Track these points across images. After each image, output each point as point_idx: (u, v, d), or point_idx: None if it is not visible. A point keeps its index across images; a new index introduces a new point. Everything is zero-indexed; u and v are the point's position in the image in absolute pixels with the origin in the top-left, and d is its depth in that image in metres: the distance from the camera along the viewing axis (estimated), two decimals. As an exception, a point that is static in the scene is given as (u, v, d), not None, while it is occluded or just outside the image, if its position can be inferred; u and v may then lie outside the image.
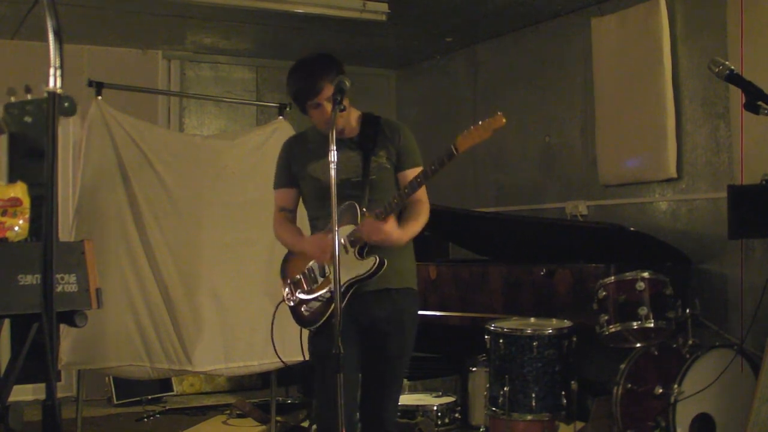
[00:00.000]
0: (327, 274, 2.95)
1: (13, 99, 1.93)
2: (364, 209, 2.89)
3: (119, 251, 4.50)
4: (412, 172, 3.00)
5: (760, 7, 4.35)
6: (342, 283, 2.83)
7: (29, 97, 1.91)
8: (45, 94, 1.83)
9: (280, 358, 3.30)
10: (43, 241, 1.62)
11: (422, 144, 3.17)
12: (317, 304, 2.97)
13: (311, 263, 3.01)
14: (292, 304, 3.06)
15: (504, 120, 2.70)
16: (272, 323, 3.19)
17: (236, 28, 5.98)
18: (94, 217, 4.47)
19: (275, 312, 3.16)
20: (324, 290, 2.95)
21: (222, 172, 4.79)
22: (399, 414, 4.61)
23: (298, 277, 3.04)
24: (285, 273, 3.12)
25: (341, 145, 2.94)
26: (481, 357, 4.84)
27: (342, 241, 2.86)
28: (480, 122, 2.71)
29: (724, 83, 3.01)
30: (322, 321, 2.95)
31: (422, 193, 2.98)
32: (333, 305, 2.86)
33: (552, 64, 5.86)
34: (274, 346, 3.25)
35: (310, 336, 3.04)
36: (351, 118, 3.02)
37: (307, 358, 3.06)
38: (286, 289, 3.08)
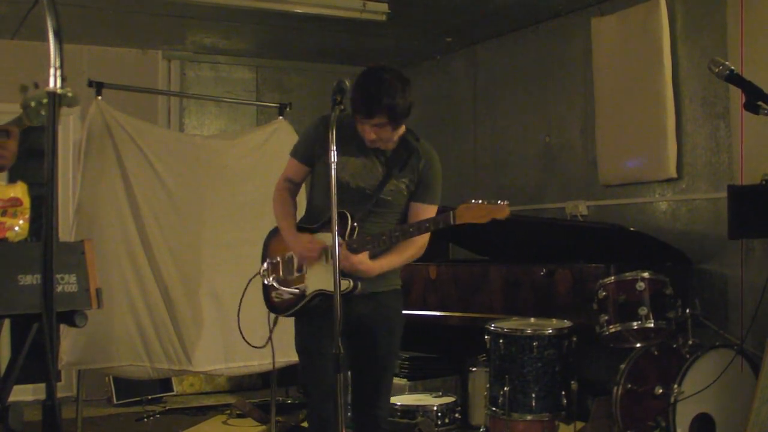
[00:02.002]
0: (303, 272, 2.98)
1: (28, 95, 1.94)
2: (356, 224, 2.89)
3: (119, 251, 4.50)
4: (423, 208, 3.00)
5: (760, 7, 4.35)
6: (313, 290, 2.91)
7: (38, 92, 1.93)
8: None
9: (249, 343, 3.34)
10: (43, 241, 1.62)
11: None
12: (288, 296, 3.00)
13: (291, 253, 3.03)
14: (265, 282, 3.09)
15: (507, 212, 2.72)
16: (240, 302, 3.26)
17: (236, 28, 5.98)
18: (94, 217, 4.47)
19: (247, 286, 3.21)
20: (297, 287, 2.98)
21: (222, 172, 4.79)
22: (399, 414, 4.62)
23: (277, 260, 3.06)
24: (267, 248, 3.14)
25: (372, 153, 2.97)
26: (481, 357, 4.84)
27: (325, 247, 2.89)
28: (485, 203, 2.72)
29: (724, 83, 3.01)
30: (287, 313, 3.01)
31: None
32: (301, 302, 2.95)
33: (552, 64, 5.86)
34: (240, 332, 3.30)
35: (297, 329, 3.06)
36: (397, 132, 2.95)
37: (278, 359, 3.13)
38: (264, 265, 3.11)
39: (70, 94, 1.70)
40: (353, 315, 2.94)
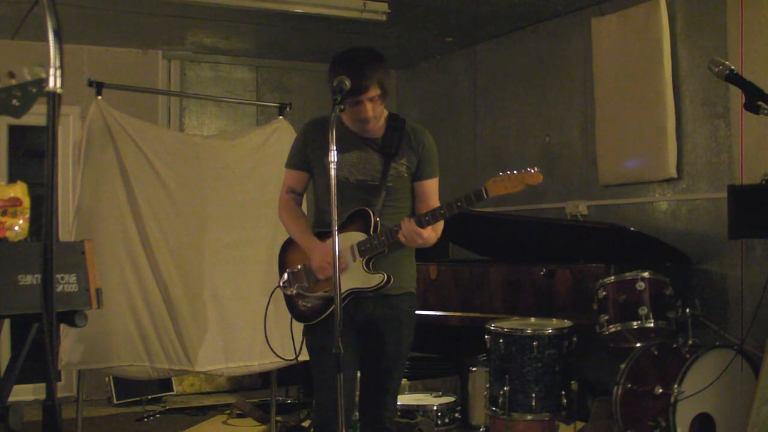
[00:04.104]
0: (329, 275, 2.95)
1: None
2: (378, 219, 2.89)
3: (119, 251, 4.50)
4: (429, 183, 3.01)
5: (760, 7, 4.35)
6: (344, 290, 2.84)
7: (13, 82, 1.92)
8: (28, 77, 1.87)
9: (274, 352, 3.26)
10: (43, 241, 1.62)
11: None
12: (317, 302, 2.96)
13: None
14: (288, 293, 3.04)
15: (541, 178, 2.74)
16: (266, 310, 3.16)
17: (236, 28, 5.98)
18: (94, 217, 4.46)
19: (270, 298, 3.13)
20: (324, 291, 2.94)
21: (222, 172, 4.78)
22: (399, 414, 4.62)
23: (299, 268, 3.02)
24: (284, 260, 3.10)
25: (364, 144, 2.97)
26: (481, 357, 4.84)
27: (351, 246, 2.88)
28: (516, 172, 2.75)
29: (724, 83, 3.01)
30: (318, 319, 2.96)
31: (437, 200, 3.02)
32: (332, 306, 2.88)
33: (552, 64, 5.86)
34: (266, 337, 3.23)
35: (306, 328, 3.03)
36: (383, 106, 2.98)
37: (301, 357, 3.07)
38: (285, 276, 3.05)
39: (42, 75, 1.69)
40: (363, 315, 2.94)
